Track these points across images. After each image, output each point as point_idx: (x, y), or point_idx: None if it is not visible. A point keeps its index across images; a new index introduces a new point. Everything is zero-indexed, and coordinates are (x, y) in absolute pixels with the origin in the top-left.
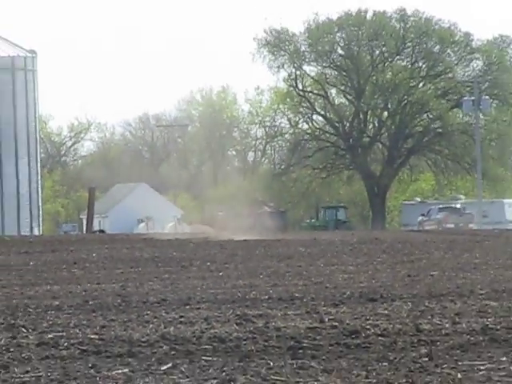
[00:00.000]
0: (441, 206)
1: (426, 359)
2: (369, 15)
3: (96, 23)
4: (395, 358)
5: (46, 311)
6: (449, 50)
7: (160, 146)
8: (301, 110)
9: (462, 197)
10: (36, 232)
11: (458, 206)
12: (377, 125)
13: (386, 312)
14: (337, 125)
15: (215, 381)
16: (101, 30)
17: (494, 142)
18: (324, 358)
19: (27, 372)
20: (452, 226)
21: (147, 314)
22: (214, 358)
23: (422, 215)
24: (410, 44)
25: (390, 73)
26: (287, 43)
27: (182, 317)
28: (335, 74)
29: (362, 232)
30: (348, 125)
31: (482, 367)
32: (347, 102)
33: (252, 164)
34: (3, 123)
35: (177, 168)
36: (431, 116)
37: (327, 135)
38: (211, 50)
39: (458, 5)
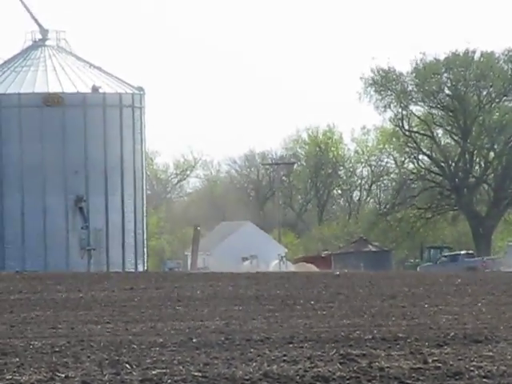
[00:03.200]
0: None
1: None
2: (476, 56)
3: (201, 59)
4: None
5: (149, 348)
6: None
7: (265, 184)
8: (407, 149)
9: None
10: (141, 268)
11: None
12: (483, 165)
13: (491, 354)
14: (442, 165)
15: None
16: (208, 68)
17: None
18: None
19: None
20: None
21: (250, 352)
22: None
23: None
24: None
25: (497, 113)
26: (394, 83)
27: (285, 355)
28: (442, 114)
29: (467, 273)
30: (454, 165)
31: None
32: (453, 143)
33: (357, 203)
34: (110, 159)
35: (282, 206)
36: None
37: (433, 175)
38: (318, 89)
39: None
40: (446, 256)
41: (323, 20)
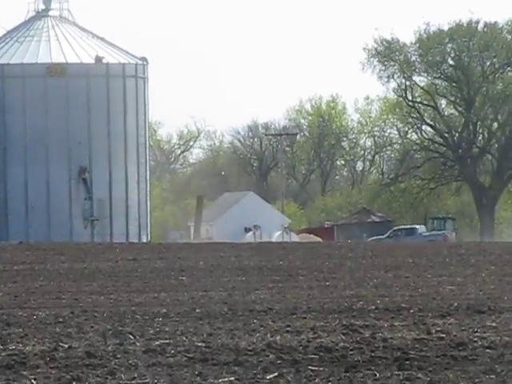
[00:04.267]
0: None
1: None
2: (480, 26)
3: (205, 31)
4: (502, 371)
5: (153, 318)
6: None
7: (268, 155)
8: (410, 120)
9: None
10: (144, 239)
11: None
12: (486, 136)
13: (494, 324)
14: (446, 135)
15: None
16: (210, 38)
17: None
18: (431, 369)
19: (134, 379)
20: None
21: (254, 323)
22: (321, 368)
23: None
24: None
25: (500, 84)
26: (397, 53)
27: (288, 326)
28: (445, 85)
29: (470, 243)
30: (457, 135)
31: None
32: (457, 113)
33: (360, 174)
34: (114, 130)
35: (285, 177)
36: None
37: (436, 146)
38: (321, 59)
39: None
40: (400, 230)
41: None
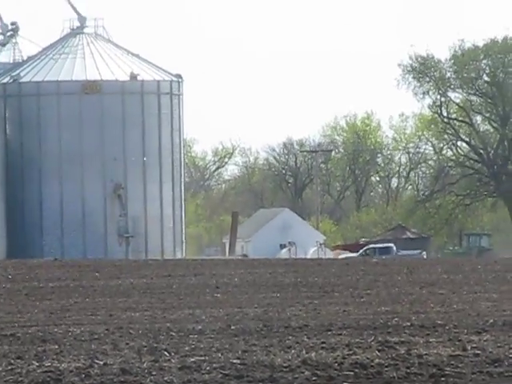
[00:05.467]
0: None
1: None
2: None
3: (239, 48)
4: None
5: (188, 335)
6: None
7: (303, 171)
8: (445, 136)
9: None
10: (179, 255)
11: None
12: None
13: None
14: (481, 152)
15: None
16: (245, 55)
17: None
18: None
19: None
20: None
21: (289, 340)
22: None
23: None
24: None
25: None
26: (432, 70)
27: (323, 342)
28: (480, 101)
29: (506, 260)
30: (492, 152)
31: None
32: (492, 129)
33: (395, 190)
34: (149, 147)
35: (320, 193)
36: None
37: (471, 162)
38: (356, 76)
39: None
40: (374, 248)
41: (362, 7)
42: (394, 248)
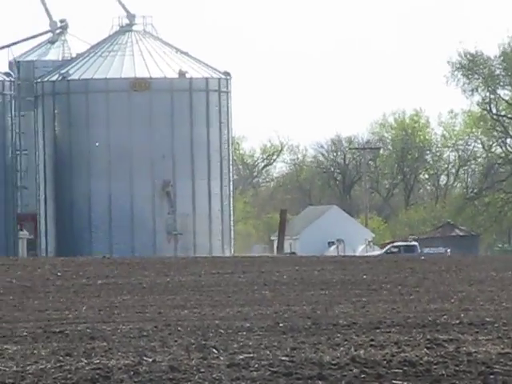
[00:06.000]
0: None
1: None
2: None
3: (288, 45)
4: None
5: (236, 332)
6: None
7: (352, 169)
8: (494, 133)
9: None
10: (227, 253)
11: None
12: None
13: None
14: None
15: None
16: (293, 52)
17: None
18: None
19: None
20: None
21: (337, 337)
22: (405, 382)
23: None
24: None
25: None
26: (481, 67)
27: (372, 340)
28: None
29: None
30: None
31: None
32: None
33: (444, 188)
34: (197, 144)
35: (368, 191)
36: None
37: None
38: (405, 73)
39: None
40: (398, 246)
41: (411, 3)
42: (418, 246)
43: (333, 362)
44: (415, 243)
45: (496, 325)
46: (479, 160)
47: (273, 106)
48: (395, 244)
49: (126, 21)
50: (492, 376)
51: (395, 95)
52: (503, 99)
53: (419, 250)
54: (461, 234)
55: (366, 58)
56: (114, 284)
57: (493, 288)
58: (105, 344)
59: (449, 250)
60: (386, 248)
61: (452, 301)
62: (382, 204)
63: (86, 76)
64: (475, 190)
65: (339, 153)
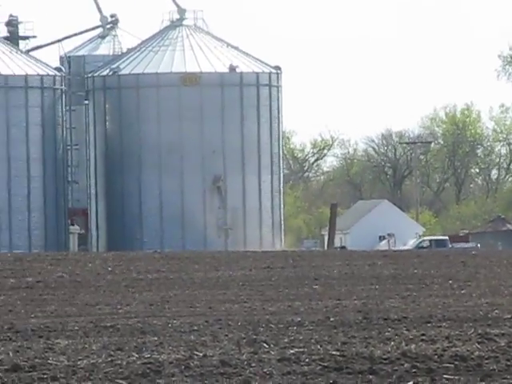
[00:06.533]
0: None
1: None
2: None
3: (338, 39)
4: None
5: (287, 327)
6: None
7: (402, 163)
8: None
9: None
10: (278, 247)
11: None
12: None
13: None
14: None
15: None
16: (344, 46)
17: None
18: None
19: None
20: None
21: (388, 332)
22: (456, 377)
23: None
24: None
25: None
26: None
27: (423, 335)
28: None
29: None
30: None
31: None
32: None
33: (495, 182)
34: (248, 139)
35: (419, 185)
36: None
37: None
38: (455, 67)
39: None
40: (430, 241)
41: None
42: (448, 241)
43: (384, 357)
44: (446, 237)
45: None
46: None
47: (323, 100)
48: (426, 238)
49: (176, 15)
50: None
51: (446, 89)
52: None
53: (450, 245)
54: None
55: (417, 53)
56: (164, 279)
57: None
58: (156, 338)
59: (478, 245)
60: (418, 242)
61: (503, 295)
62: (432, 198)
63: (136, 71)
64: None
65: (390, 147)
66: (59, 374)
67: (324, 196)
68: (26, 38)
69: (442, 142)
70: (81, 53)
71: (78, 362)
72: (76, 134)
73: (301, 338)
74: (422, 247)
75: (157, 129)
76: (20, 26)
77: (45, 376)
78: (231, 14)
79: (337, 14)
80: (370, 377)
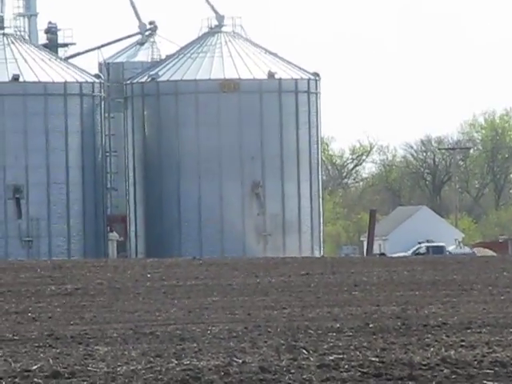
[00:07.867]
0: None
1: None
2: None
3: (377, 45)
4: None
5: (326, 333)
6: None
7: (441, 169)
8: None
9: None
10: (317, 253)
11: None
12: None
13: None
14: None
15: None
16: (382, 53)
17: None
18: None
19: None
20: None
21: (428, 338)
22: (496, 383)
23: None
24: None
25: None
26: None
27: (462, 341)
28: None
29: None
30: None
31: None
32: None
33: None
34: (286, 145)
35: (458, 191)
36: None
37: None
38: (495, 73)
39: None
40: (427, 247)
41: (499, 2)
42: (445, 247)
43: (423, 363)
44: (443, 244)
45: None
46: None
47: (362, 107)
48: (423, 245)
49: (214, 22)
50: None
51: (485, 95)
52: None
53: (447, 252)
54: None
55: (456, 58)
56: (203, 285)
57: None
58: (195, 345)
59: (475, 251)
60: (415, 248)
61: None
62: (471, 204)
63: (175, 77)
64: None
65: (429, 153)
66: (99, 380)
67: (363, 202)
68: (65, 45)
69: (481, 148)
70: (119, 60)
71: (118, 369)
72: (115, 141)
73: (340, 344)
74: (419, 253)
75: (195, 135)
76: (59, 34)
77: (84, 382)
78: (270, 21)
79: (374, 21)
80: (410, 383)
